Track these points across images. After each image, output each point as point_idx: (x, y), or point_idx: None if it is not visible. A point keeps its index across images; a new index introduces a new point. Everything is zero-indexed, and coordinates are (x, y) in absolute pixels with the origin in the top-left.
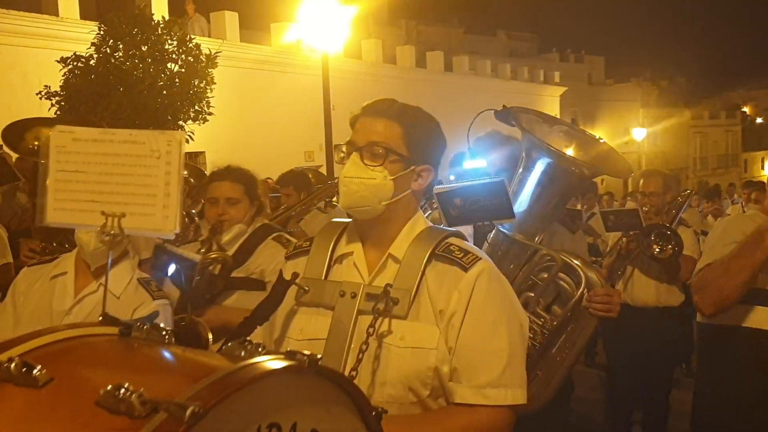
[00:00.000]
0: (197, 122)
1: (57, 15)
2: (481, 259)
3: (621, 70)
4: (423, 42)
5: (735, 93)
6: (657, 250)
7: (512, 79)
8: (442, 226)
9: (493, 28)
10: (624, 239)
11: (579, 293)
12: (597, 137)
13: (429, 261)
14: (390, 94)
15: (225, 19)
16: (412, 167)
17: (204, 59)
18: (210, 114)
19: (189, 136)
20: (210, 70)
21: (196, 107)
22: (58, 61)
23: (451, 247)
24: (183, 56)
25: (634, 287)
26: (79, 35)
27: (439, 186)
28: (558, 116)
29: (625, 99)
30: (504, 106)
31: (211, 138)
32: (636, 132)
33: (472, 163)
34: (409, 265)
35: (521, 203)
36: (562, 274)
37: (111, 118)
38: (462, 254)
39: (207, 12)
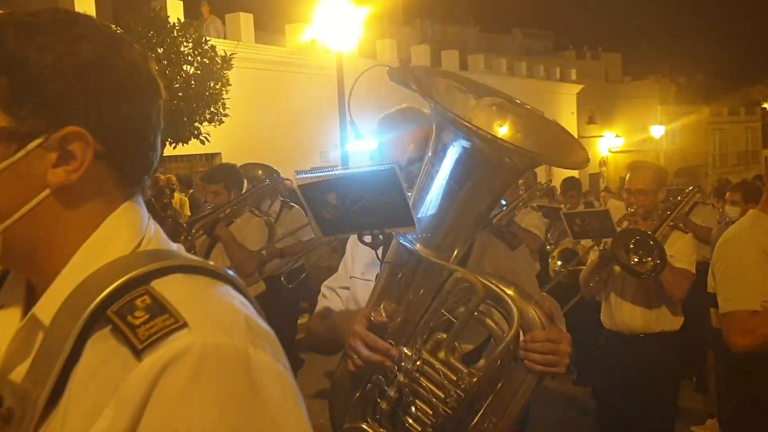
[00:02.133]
0: (213, 124)
1: None
2: (185, 327)
3: (638, 67)
4: (438, 41)
5: (755, 89)
6: (635, 260)
7: (528, 77)
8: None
9: (508, 26)
10: (596, 249)
11: (509, 337)
12: (542, 113)
13: (89, 329)
14: (405, 94)
15: (240, 20)
16: (37, 141)
17: (219, 61)
18: (226, 115)
19: (205, 137)
20: (225, 72)
21: (212, 109)
22: None
23: (137, 302)
24: (198, 58)
25: (616, 310)
26: None
27: (302, 175)
28: (575, 114)
29: (643, 96)
30: (400, 60)
31: (227, 139)
32: (654, 129)
33: (357, 144)
34: (54, 338)
35: (429, 204)
36: (493, 309)
37: None
38: (147, 317)
39: (222, 14)
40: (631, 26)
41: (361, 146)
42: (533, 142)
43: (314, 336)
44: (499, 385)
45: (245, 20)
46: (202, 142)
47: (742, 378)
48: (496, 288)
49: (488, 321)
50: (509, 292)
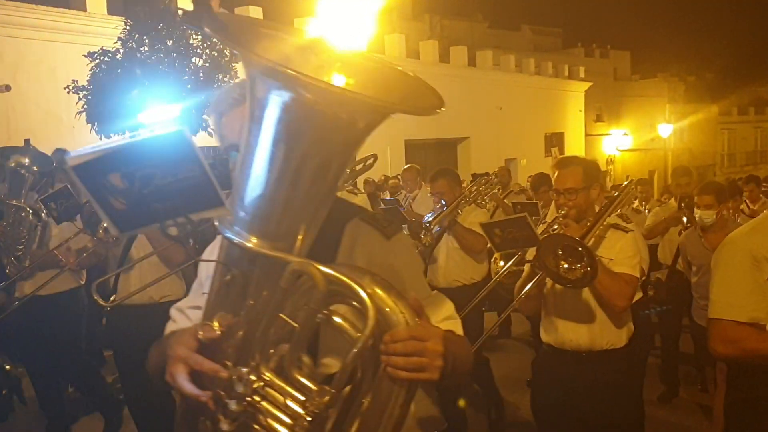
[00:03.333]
0: None
1: (85, 10)
2: None
3: (647, 66)
4: (447, 36)
5: (764, 88)
6: (565, 267)
7: (536, 74)
8: None
9: (517, 22)
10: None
11: (363, 339)
12: (380, 57)
13: None
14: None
15: (249, 14)
16: None
17: (228, 54)
18: None
19: (213, 130)
20: (234, 65)
21: None
22: (85, 56)
23: None
24: (207, 51)
25: (554, 324)
26: (105, 30)
27: (75, 154)
28: (582, 112)
29: (651, 94)
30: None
31: None
32: (662, 128)
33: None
34: None
35: (256, 184)
36: (346, 308)
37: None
38: None
39: (231, 7)
40: (641, 24)
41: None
42: (368, 86)
43: (150, 367)
44: (365, 403)
45: (254, 13)
46: (211, 135)
47: (740, 376)
48: (342, 278)
49: (340, 322)
50: (362, 281)
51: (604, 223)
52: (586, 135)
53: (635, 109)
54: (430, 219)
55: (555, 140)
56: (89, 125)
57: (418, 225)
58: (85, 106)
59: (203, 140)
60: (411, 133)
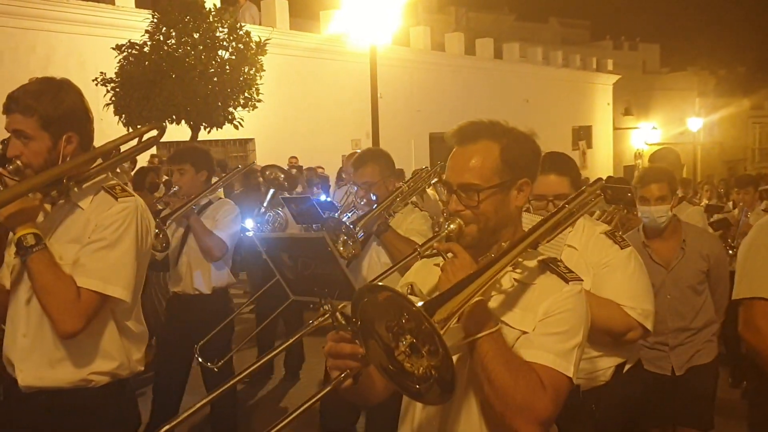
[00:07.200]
0: (247, 109)
1: (113, 4)
2: None
3: (677, 58)
4: (472, 29)
5: None
6: (402, 349)
7: (564, 66)
8: None
9: (545, 14)
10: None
11: None
12: None
13: None
14: (438, 82)
15: (275, 7)
16: None
17: (254, 46)
18: (259, 101)
19: (239, 122)
20: (260, 58)
21: (246, 94)
22: (113, 49)
23: None
24: (233, 43)
25: (417, 420)
26: (134, 23)
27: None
28: (611, 105)
29: (681, 88)
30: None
31: (260, 125)
32: (692, 122)
33: None
34: None
35: None
36: None
37: (163, 105)
38: None
39: (258, 0)
40: (671, 16)
41: None
42: None
43: None
44: None
45: (280, 6)
46: (236, 127)
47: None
48: None
49: None
50: None
51: (538, 258)
52: (614, 128)
53: (664, 103)
54: (354, 220)
55: (582, 133)
56: (116, 117)
57: (337, 227)
58: (113, 98)
59: (228, 133)
60: (435, 126)
